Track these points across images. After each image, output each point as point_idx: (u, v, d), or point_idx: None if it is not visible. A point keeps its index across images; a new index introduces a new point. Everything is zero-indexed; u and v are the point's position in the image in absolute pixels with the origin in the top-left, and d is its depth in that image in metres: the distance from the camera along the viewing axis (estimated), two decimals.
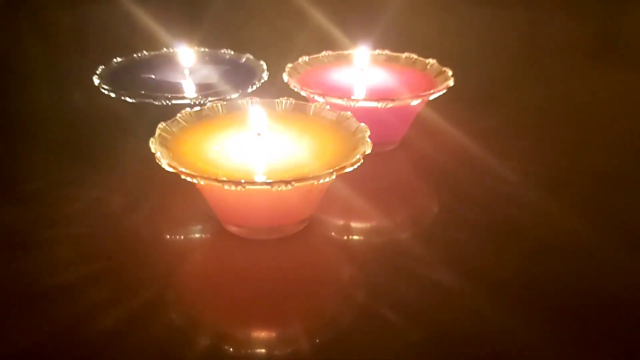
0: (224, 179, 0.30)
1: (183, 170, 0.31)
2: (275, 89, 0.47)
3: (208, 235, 0.37)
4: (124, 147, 0.47)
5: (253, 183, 0.30)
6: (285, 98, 0.41)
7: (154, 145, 0.34)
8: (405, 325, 0.30)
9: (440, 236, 0.37)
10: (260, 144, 0.36)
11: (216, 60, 0.51)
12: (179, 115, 0.38)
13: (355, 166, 0.33)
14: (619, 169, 0.46)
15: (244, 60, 0.51)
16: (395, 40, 0.58)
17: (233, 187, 0.30)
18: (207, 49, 0.53)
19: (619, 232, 0.38)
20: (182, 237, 0.37)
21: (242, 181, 0.30)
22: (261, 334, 0.30)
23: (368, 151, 0.34)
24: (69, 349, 0.28)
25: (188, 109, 0.39)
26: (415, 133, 0.49)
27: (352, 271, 0.35)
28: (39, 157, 0.46)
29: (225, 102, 0.40)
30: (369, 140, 0.35)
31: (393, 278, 0.34)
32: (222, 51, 0.53)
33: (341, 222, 0.39)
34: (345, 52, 0.53)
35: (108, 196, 0.41)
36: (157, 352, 0.28)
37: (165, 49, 0.53)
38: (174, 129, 0.37)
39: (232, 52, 0.52)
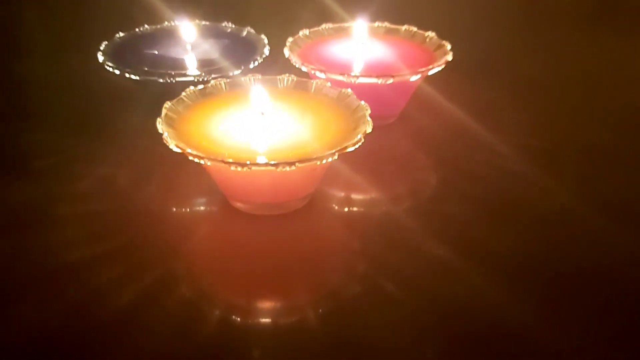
0: (230, 160, 0.31)
1: (190, 151, 0.32)
2: (277, 64, 0.48)
3: (215, 210, 0.39)
4: (129, 121, 0.48)
5: (258, 165, 0.31)
6: (287, 75, 0.42)
7: (161, 126, 0.35)
8: (403, 297, 0.32)
9: (437, 209, 0.39)
10: (263, 122, 0.37)
11: (217, 34, 0.52)
12: (183, 93, 0.39)
13: (357, 145, 0.34)
14: (615, 142, 0.47)
15: (244, 33, 0.51)
16: (394, 11, 0.58)
17: (239, 169, 0.31)
18: (208, 23, 0.53)
19: (613, 206, 0.39)
20: (190, 212, 0.39)
21: (248, 162, 0.31)
22: (268, 305, 0.32)
23: (369, 130, 0.35)
24: (84, 327, 0.30)
25: (192, 87, 0.40)
26: (414, 106, 0.50)
27: (353, 244, 0.36)
28: (46, 133, 0.47)
29: (228, 80, 0.41)
30: (369, 119, 0.36)
31: (392, 250, 0.35)
32: (223, 24, 0.53)
33: (342, 196, 0.40)
34: (345, 24, 0.53)
35: (116, 172, 0.42)
36: (172, 326, 0.30)
37: (166, 23, 0.53)
38: (179, 108, 0.38)
39: (233, 26, 0.53)
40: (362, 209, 0.39)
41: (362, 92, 0.40)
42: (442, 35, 0.50)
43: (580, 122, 0.51)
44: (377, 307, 0.31)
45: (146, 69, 0.45)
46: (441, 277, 0.33)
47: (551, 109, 0.53)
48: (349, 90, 0.40)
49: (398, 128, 0.49)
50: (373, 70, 0.47)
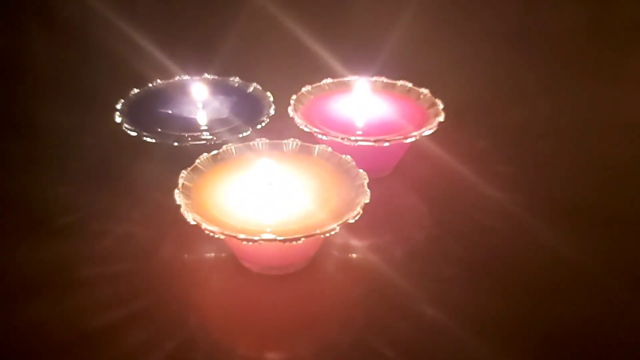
0: (243, 236, 0.35)
1: (206, 227, 0.36)
2: (280, 120, 0.52)
3: (226, 269, 0.42)
4: (141, 174, 0.52)
5: (268, 240, 0.35)
6: (292, 140, 0.46)
7: (178, 198, 0.39)
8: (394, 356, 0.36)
9: (429, 271, 0.43)
10: (271, 192, 0.41)
11: (225, 90, 0.55)
12: (198, 161, 0.43)
13: (356, 218, 0.38)
14: (606, 197, 0.51)
15: (251, 89, 0.55)
16: (389, 64, 0.62)
17: (250, 243, 0.35)
18: (216, 77, 0.57)
19: (610, 265, 0.43)
20: (204, 272, 0.42)
21: (257, 238, 0.35)
22: (272, 356, 0.36)
23: (366, 201, 0.39)
24: None
25: (205, 155, 0.43)
26: (409, 158, 0.53)
27: (349, 302, 0.40)
28: (64, 187, 0.50)
29: (238, 146, 0.45)
30: (367, 190, 0.40)
31: (385, 311, 0.39)
32: (231, 79, 0.57)
33: (339, 257, 0.44)
34: (345, 79, 0.57)
35: (133, 231, 0.45)
36: None
37: (177, 77, 0.57)
38: (194, 176, 0.42)
39: (240, 81, 0.56)
40: (358, 268, 0.43)
41: (360, 150, 0.45)
42: (432, 82, 0.54)
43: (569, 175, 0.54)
44: None
45: (160, 129, 0.48)
46: (435, 340, 0.37)
47: (538, 159, 0.56)
48: (349, 157, 0.43)
49: (392, 182, 0.52)
50: (371, 127, 0.51)
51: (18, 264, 0.43)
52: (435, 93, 0.54)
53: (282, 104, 0.53)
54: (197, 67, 0.60)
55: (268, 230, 0.37)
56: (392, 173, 0.53)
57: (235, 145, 0.45)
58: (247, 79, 0.57)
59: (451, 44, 0.80)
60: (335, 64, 0.65)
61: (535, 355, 0.36)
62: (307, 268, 0.42)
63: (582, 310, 0.39)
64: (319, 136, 0.48)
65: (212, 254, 0.43)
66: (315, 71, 0.61)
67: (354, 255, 0.44)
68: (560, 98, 0.69)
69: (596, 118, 0.65)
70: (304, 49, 0.70)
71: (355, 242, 0.45)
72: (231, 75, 0.57)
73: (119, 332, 0.37)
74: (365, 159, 0.45)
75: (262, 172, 0.41)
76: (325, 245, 0.44)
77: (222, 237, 0.36)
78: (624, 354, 0.37)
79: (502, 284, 0.41)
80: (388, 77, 0.57)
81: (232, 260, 0.42)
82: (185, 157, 0.43)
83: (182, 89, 0.55)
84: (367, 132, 0.51)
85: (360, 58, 0.67)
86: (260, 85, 0.56)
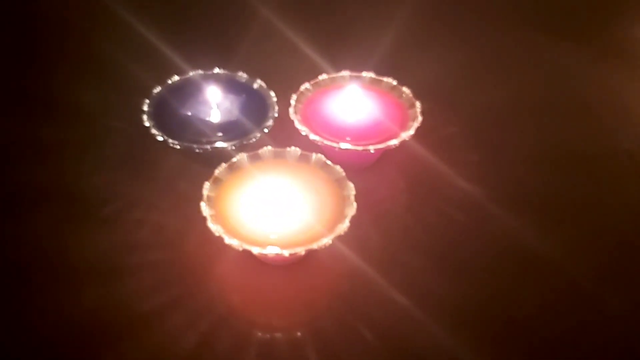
0: (257, 250, 0.46)
1: (228, 240, 0.47)
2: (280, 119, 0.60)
3: (243, 262, 0.53)
4: (166, 161, 0.61)
5: (278, 255, 0.46)
6: (294, 148, 0.55)
7: (205, 210, 0.49)
8: (372, 338, 0.48)
9: (401, 260, 0.54)
10: (275, 205, 0.51)
11: (234, 87, 0.63)
12: (217, 172, 0.53)
13: (345, 229, 0.48)
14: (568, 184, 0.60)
15: (256, 86, 0.63)
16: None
17: (267, 254, 0.46)
18: (224, 71, 0.65)
19: (571, 253, 0.52)
20: (225, 261, 0.53)
21: (268, 252, 0.46)
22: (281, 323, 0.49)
23: (353, 213, 0.49)
24: None
25: (224, 164, 0.53)
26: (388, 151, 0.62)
27: (335, 289, 0.52)
28: (100, 176, 0.59)
29: (249, 155, 0.54)
30: (354, 203, 0.50)
31: (364, 297, 0.50)
32: (238, 75, 0.65)
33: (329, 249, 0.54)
34: (339, 74, 0.65)
35: (167, 220, 0.56)
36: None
37: (192, 73, 0.65)
38: (215, 186, 0.52)
39: (246, 76, 0.64)
40: (343, 259, 0.53)
41: (347, 152, 0.56)
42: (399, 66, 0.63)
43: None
44: (348, 340, 0.47)
45: (175, 127, 0.58)
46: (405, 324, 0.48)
47: (502, 145, 0.65)
48: (339, 168, 0.53)
49: (372, 172, 0.62)
50: (360, 127, 0.60)
51: (71, 252, 0.52)
52: (401, 78, 0.63)
53: (281, 97, 0.61)
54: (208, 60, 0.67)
55: (273, 237, 0.48)
56: (372, 166, 0.63)
57: (247, 155, 0.54)
58: (250, 72, 0.65)
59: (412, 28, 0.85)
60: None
61: (496, 339, 0.46)
62: (305, 258, 0.53)
63: (542, 297, 0.49)
64: (314, 138, 0.57)
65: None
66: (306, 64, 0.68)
67: (340, 247, 0.54)
68: (524, 76, 0.76)
69: (558, 97, 0.73)
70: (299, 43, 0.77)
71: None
72: (236, 69, 0.65)
73: (164, 315, 0.48)
74: (351, 157, 0.56)
75: (268, 185, 0.51)
76: None
77: (241, 249, 0.47)
78: (583, 339, 0.46)
79: (465, 273, 0.51)
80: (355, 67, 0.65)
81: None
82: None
83: (196, 85, 0.63)
84: (356, 131, 0.60)
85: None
86: (261, 78, 0.64)
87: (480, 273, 0.52)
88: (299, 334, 0.48)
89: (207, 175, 0.52)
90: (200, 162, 0.59)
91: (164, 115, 0.60)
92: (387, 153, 0.62)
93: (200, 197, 0.50)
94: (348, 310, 0.50)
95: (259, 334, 0.48)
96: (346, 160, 0.57)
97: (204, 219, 0.48)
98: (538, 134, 0.67)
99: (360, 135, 0.59)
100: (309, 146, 0.56)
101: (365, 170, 0.62)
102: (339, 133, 0.59)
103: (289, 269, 0.53)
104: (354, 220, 0.48)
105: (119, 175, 0.60)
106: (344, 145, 0.56)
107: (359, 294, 0.51)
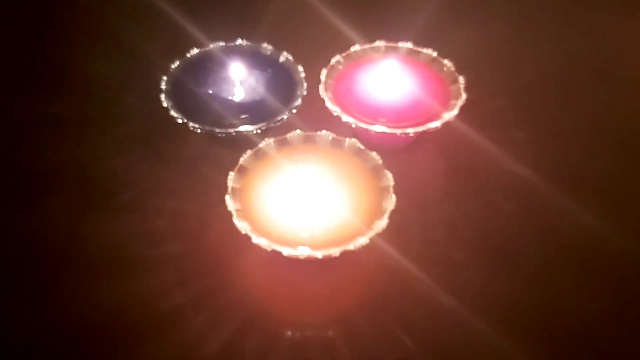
0: (287, 251, 0.42)
1: (255, 240, 0.43)
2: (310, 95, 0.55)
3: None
4: (185, 143, 0.57)
5: (310, 256, 0.42)
6: (325, 131, 0.50)
7: (230, 204, 0.45)
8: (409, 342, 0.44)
9: (442, 255, 0.49)
10: (306, 198, 0.46)
11: (258, 61, 0.58)
12: (242, 160, 0.48)
13: (384, 227, 0.44)
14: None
15: (283, 60, 0.58)
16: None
17: (295, 256, 0.42)
18: (248, 43, 0.60)
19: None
20: (250, 254, 0.49)
21: (299, 253, 0.42)
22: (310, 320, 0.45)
23: (392, 208, 0.45)
24: None
25: (249, 151, 0.48)
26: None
27: (368, 286, 0.47)
28: (117, 159, 0.55)
29: (276, 140, 0.50)
30: (393, 196, 0.45)
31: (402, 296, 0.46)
32: (263, 46, 0.59)
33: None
34: (374, 45, 0.60)
35: (188, 208, 0.51)
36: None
37: (212, 45, 0.59)
38: (239, 176, 0.47)
39: (271, 49, 0.59)
40: (376, 253, 0.48)
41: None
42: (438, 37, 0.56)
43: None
44: (382, 340, 0.43)
45: (196, 107, 0.53)
46: (439, 321, 0.44)
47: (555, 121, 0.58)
48: (375, 154, 0.48)
49: (409, 153, 0.57)
50: (397, 106, 0.54)
51: (85, 243, 0.49)
52: (441, 49, 0.57)
53: (310, 72, 0.56)
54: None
55: (304, 235, 0.44)
56: (408, 146, 0.58)
57: (274, 140, 0.50)
58: (276, 44, 0.59)
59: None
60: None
61: (555, 346, 0.41)
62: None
63: (609, 298, 0.43)
64: (346, 119, 0.52)
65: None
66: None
67: (375, 240, 0.50)
68: (573, 45, 0.69)
69: (612, 67, 0.66)
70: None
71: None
72: (260, 41, 0.59)
73: (186, 314, 0.44)
74: (386, 139, 0.51)
75: (297, 174, 0.47)
76: None
77: (268, 250, 0.43)
78: None
79: (516, 271, 0.46)
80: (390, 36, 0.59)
81: None
82: None
83: (217, 59, 0.58)
84: (393, 110, 0.54)
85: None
86: (287, 50, 0.58)
87: (534, 270, 0.47)
88: (330, 333, 0.44)
89: (231, 158, 0.48)
90: (224, 145, 0.55)
91: (183, 93, 0.55)
92: (425, 133, 0.56)
93: (224, 183, 0.46)
94: (384, 309, 0.46)
95: (289, 333, 0.44)
96: (381, 142, 0.52)
97: (225, 208, 0.44)
98: (594, 108, 0.61)
99: (397, 114, 0.54)
100: (339, 125, 0.52)
101: (401, 152, 0.57)
102: (373, 111, 0.54)
103: (321, 264, 0.48)
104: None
105: (136, 158, 0.56)
106: (380, 128, 0.51)
107: (396, 291, 0.47)
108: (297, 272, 0.48)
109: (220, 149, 0.55)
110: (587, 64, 0.67)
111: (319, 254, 0.42)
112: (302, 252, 0.42)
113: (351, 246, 0.42)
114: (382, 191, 0.46)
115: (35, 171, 0.55)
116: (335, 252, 0.42)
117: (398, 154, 0.56)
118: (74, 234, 0.50)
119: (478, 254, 0.48)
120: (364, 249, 0.47)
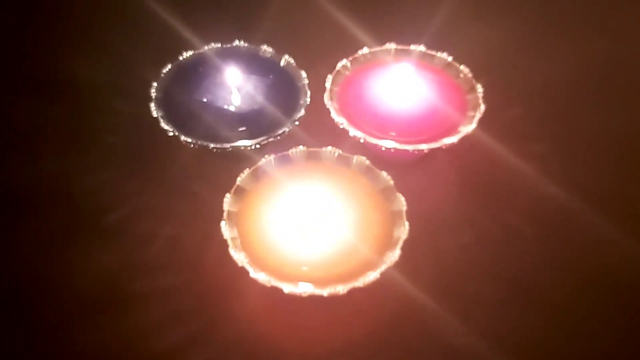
0: (288, 289, 0.37)
1: (253, 274, 0.38)
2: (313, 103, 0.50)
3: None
4: (176, 160, 0.52)
5: (313, 294, 0.38)
6: (331, 148, 0.46)
7: (225, 232, 0.40)
8: None
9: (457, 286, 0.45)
10: (309, 223, 0.42)
11: (257, 65, 0.53)
12: (239, 180, 0.43)
13: (396, 259, 0.39)
14: None
15: (284, 64, 0.53)
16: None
17: (296, 293, 0.38)
18: (246, 45, 0.55)
19: None
20: (250, 285, 0.45)
21: (301, 291, 0.37)
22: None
23: (405, 237, 0.40)
24: None
25: (247, 170, 0.44)
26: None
27: (379, 324, 0.43)
28: (104, 175, 0.51)
29: (276, 157, 0.45)
30: (406, 223, 0.41)
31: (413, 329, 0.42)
32: (262, 49, 0.54)
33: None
34: (384, 48, 0.55)
35: (180, 234, 0.47)
36: None
37: (206, 47, 0.54)
38: (237, 198, 0.43)
39: (271, 51, 0.54)
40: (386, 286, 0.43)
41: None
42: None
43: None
44: None
45: (189, 116, 0.49)
46: None
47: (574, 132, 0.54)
48: (385, 174, 0.44)
49: (419, 169, 0.52)
50: (408, 118, 0.50)
51: (68, 275, 0.44)
52: (456, 53, 0.52)
53: (313, 78, 0.51)
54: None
55: (306, 267, 0.40)
56: (419, 160, 0.53)
57: (274, 157, 0.45)
58: (277, 46, 0.54)
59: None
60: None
61: None
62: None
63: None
64: (354, 133, 0.47)
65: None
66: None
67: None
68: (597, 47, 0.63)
69: (634, 70, 0.61)
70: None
71: None
72: (259, 42, 0.55)
73: (183, 353, 0.40)
74: (396, 154, 0.47)
75: (299, 196, 0.42)
76: None
77: (269, 285, 0.38)
78: None
79: (538, 304, 0.42)
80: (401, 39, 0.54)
81: None
82: None
83: (213, 63, 0.53)
84: (404, 121, 0.50)
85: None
86: (289, 54, 0.54)
87: (558, 303, 0.43)
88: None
89: (227, 176, 0.44)
90: (219, 159, 0.50)
91: (175, 102, 0.50)
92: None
93: (219, 204, 0.41)
94: (392, 345, 0.41)
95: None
96: (391, 156, 0.48)
97: (220, 234, 0.40)
98: (629, 116, 0.55)
99: (409, 125, 0.50)
100: (346, 138, 0.47)
101: (413, 167, 0.53)
102: (383, 122, 0.49)
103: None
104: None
105: (124, 173, 0.52)
106: (391, 144, 0.46)
107: (406, 325, 0.43)
108: (300, 304, 0.44)
109: (215, 165, 0.50)
110: (613, 66, 0.62)
111: (324, 292, 0.37)
112: (305, 289, 0.38)
113: (360, 283, 0.38)
114: (394, 217, 0.42)
115: (11, 188, 0.50)
116: (342, 289, 0.37)
117: (409, 172, 0.51)
118: (53, 265, 0.45)
119: (496, 285, 0.44)
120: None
